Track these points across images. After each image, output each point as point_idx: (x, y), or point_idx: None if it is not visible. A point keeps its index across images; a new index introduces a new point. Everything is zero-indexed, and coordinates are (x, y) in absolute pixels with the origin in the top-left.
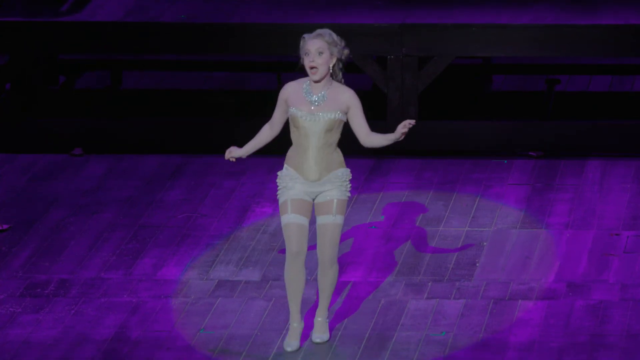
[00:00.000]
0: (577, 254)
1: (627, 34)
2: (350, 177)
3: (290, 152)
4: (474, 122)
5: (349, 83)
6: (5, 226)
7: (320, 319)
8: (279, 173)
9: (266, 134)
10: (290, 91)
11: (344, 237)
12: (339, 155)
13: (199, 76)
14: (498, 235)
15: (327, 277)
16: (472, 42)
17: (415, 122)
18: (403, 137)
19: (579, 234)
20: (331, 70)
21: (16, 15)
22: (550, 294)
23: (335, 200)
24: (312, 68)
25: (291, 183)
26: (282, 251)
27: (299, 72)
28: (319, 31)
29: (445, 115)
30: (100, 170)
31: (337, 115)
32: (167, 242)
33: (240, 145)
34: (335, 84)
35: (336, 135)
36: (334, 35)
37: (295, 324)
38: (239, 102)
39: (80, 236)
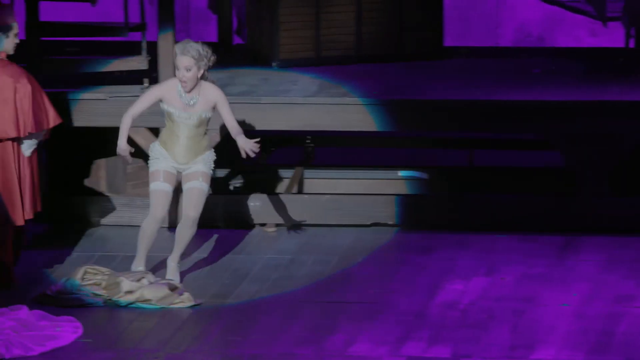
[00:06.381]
0: None
1: None
2: (214, 159)
3: (164, 136)
4: None
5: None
6: None
7: (173, 264)
8: (151, 145)
9: (129, 124)
10: (165, 91)
11: (534, 314)
12: (205, 141)
13: None
14: None
15: (187, 233)
16: None
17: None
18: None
19: None
20: (200, 77)
21: None
22: None
23: (201, 171)
24: (182, 82)
25: (162, 158)
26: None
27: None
28: (186, 47)
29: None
30: None
31: (206, 114)
32: None
33: None
34: (205, 83)
35: (205, 128)
36: (201, 50)
37: (141, 268)
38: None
39: None
